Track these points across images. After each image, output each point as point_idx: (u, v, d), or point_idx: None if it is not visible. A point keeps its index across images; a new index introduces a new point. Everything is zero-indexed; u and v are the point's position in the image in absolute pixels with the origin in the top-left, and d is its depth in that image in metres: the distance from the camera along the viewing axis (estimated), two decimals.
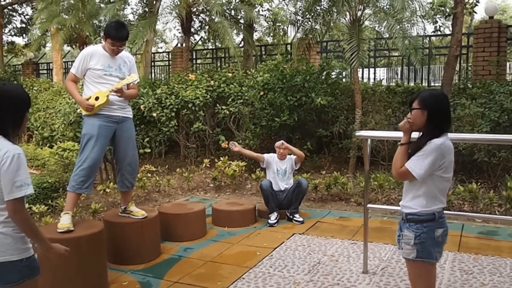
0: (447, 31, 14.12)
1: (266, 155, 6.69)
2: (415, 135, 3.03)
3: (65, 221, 4.35)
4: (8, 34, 24.98)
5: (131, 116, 4.98)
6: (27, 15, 24.29)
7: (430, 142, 2.86)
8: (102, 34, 4.87)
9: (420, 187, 2.93)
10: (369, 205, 4.57)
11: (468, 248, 5.20)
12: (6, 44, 25.01)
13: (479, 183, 7.22)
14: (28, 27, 23.31)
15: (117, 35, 4.60)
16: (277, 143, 6.69)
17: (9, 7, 23.91)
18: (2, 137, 2.56)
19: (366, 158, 4.42)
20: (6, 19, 23.79)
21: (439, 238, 2.96)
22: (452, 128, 7.69)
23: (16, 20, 24.99)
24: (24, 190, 2.52)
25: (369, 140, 4.40)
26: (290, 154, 6.81)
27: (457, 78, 11.24)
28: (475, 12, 11.59)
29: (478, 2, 11.25)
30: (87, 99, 4.59)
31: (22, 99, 2.65)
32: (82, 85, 5.06)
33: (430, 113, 2.89)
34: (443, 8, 11.64)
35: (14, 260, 2.58)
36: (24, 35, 24.86)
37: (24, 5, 23.67)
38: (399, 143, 3.03)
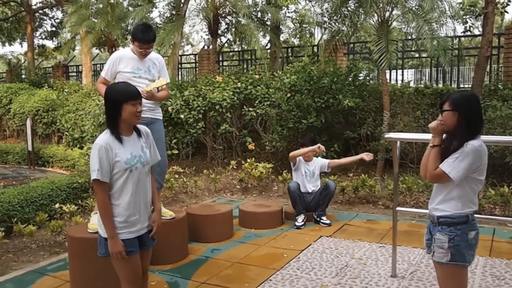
0: (477, 32, 13.87)
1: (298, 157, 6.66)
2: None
3: (95, 221, 4.41)
4: (39, 37, 25.54)
5: (161, 118, 5.03)
6: (57, 18, 24.82)
7: (467, 144, 2.82)
8: (130, 37, 4.93)
9: (453, 189, 2.90)
10: (398, 208, 4.52)
11: (499, 253, 5.10)
12: (37, 47, 25.56)
13: (510, 187, 7.06)
14: (58, 30, 23.78)
15: (144, 37, 4.64)
16: (318, 149, 6.55)
17: (40, 11, 24.44)
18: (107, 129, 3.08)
19: (396, 161, 4.37)
20: (37, 23, 24.34)
21: (472, 240, 2.93)
22: (483, 130, 7.59)
23: (46, 24, 25.58)
24: (93, 174, 2.97)
25: (398, 142, 4.35)
26: (317, 156, 6.78)
27: (488, 79, 11.04)
28: (507, 12, 11.36)
29: (509, 1, 11.02)
30: None
31: (122, 93, 3.05)
32: None
33: (461, 115, 2.85)
34: (473, 8, 11.44)
35: (102, 236, 3.09)
36: (54, 38, 25.38)
37: (55, 9, 24.15)
38: (430, 145, 2.97)
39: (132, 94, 3.05)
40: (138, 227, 3.11)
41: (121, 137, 3.05)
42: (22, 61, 28.25)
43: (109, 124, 3.06)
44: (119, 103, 3.00)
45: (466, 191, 2.90)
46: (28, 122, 11.30)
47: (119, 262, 3.05)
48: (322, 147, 6.56)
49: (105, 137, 3.02)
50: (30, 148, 11.01)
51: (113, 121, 3.04)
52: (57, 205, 6.29)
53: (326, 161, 6.76)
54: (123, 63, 4.75)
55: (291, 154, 6.58)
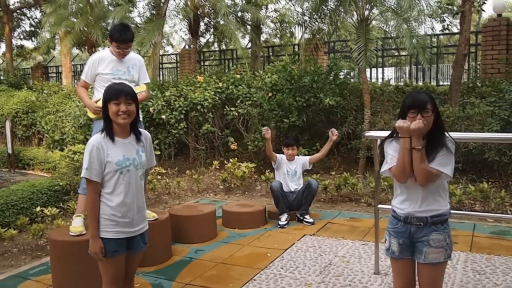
0: (455, 30, 14.06)
1: (278, 155, 6.67)
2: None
3: (77, 224, 4.39)
4: (17, 37, 25.18)
5: (141, 119, 5.00)
6: (35, 18, 24.48)
7: (447, 140, 2.86)
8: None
9: (439, 187, 2.91)
10: (379, 206, 4.56)
11: (480, 248, 5.17)
12: (16, 48, 25.20)
13: (490, 183, 7.18)
14: (37, 30, 23.48)
15: (121, 37, 4.61)
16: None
17: (18, 11, 24.10)
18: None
19: (376, 159, 4.41)
20: (15, 23, 23.99)
21: None
22: (462, 127, 7.70)
23: (25, 24, 25.21)
24: (84, 173, 3.03)
25: (379, 141, 4.39)
26: (298, 155, 6.81)
27: (466, 76, 11.19)
28: (483, 10, 11.52)
29: (486, 0, 11.20)
30: (96, 102, 4.62)
31: (104, 93, 3.11)
32: (92, 87, 5.10)
33: (437, 114, 2.88)
34: (450, 7, 11.59)
35: None
36: (33, 38, 25.04)
37: (33, 9, 23.83)
38: (414, 147, 2.80)
39: (113, 93, 3.05)
40: (129, 229, 3.12)
41: (115, 138, 3.07)
42: (0, 62, 27.85)
43: (104, 125, 3.10)
44: (105, 103, 3.05)
45: (445, 187, 2.95)
46: (7, 124, 11.14)
47: (103, 262, 3.07)
48: (266, 130, 6.46)
49: (99, 137, 3.05)
50: (9, 151, 10.85)
51: (107, 122, 3.08)
52: (38, 208, 6.22)
53: (307, 157, 6.80)
54: (102, 64, 4.72)
55: (266, 152, 6.60)
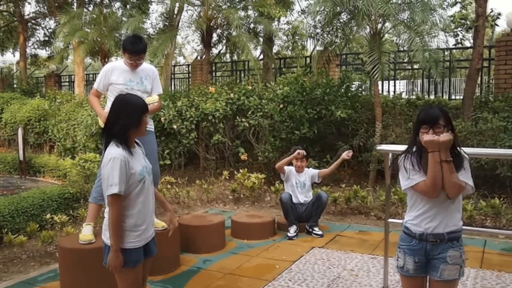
0: (468, 44, 14.02)
1: (286, 168, 6.67)
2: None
3: (86, 232, 4.40)
4: (32, 47, 25.47)
5: (153, 130, 5.02)
6: (50, 28, 24.75)
7: (463, 156, 2.87)
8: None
9: (457, 202, 2.90)
10: (390, 220, 4.53)
11: (490, 265, 5.11)
12: (30, 57, 25.49)
13: (502, 198, 7.09)
14: (51, 40, 23.74)
15: (133, 48, 4.64)
16: (295, 153, 6.60)
17: (33, 21, 24.41)
18: (116, 142, 3.02)
19: (388, 172, 4.39)
20: (29, 32, 24.28)
21: None
22: (474, 142, 7.64)
23: (39, 33, 25.50)
24: (112, 189, 2.94)
25: (390, 154, 4.37)
26: (308, 167, 6.79)
27: (479, 91, 11.13)
28: (497, 25, 11.53)
29: (499, 15, 11.17)
30: None
31: (140, 105, 3.11)
32: (104, 97, 5.14)
33: (451, 128, 2.86)
34: (464, 21, 11.58)
35: (108, 244, 3.03)
36: (47, 48, 25.31)
37: (47, 19, 24.12)
38: (444, 159, 2.77)
39: (146, 106, 3.15)
40: (146, 235, 3.15)
41: (131, 150, 3.08)
42: (14, 70, 28.15)
43: (120, 136, 3.03)
44: (139, 115, 3.06)
45: (461, 202, 2.94)
46: (20, 132, 11.24)
47: (124, 272, 3.05)
48: (301, 151, 6.54)
49: (119, 150, 3.00)
50: (21, 158, 10.94)
51: (126, 133, 3.04)
52: (48, 215, 6.24)
53: (316, 171, 6.77)
54: (115, 74, 4.75)
55: (277, 166, 6.61)
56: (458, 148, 2.87)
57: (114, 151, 2.99)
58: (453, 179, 2.77)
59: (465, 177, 2.82)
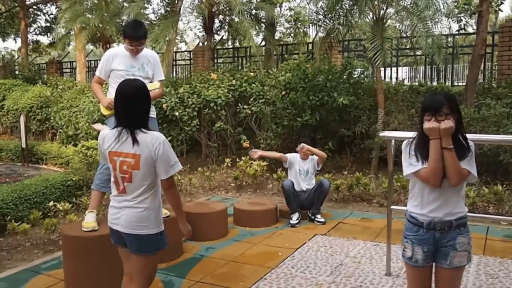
0: (471, 30, 13.92)
1: (288, 155, 6.65)
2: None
3: (89, 220, 4.40)
4: (33, 33, 25.38)
5: (155, 116, 5.01)
6: (51, 14, 24.65)
7: (468, 143, 2.86)
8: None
9: (460, 190, 2.89)
10: (392, 207, 4.53)
11: (493, 252, 5.12)
12: (31, 43, 25.41)
13: (504, 185, 7.09)
14: (53, 26, 23.66)
15: (134, 34, 4.62)
16: (298, 147, 6.63)
17: (34, 7, 24.30)
18: (144, 128, 3.00)
19: (390, 159, 4.38)
20: (31, 19, 24.19)
21: None
22: (477, 129, 7.61)
23: (41, 20, 25.40)
24: (177, 167, 3.04)
25: (393, 141, 4.36)
26: (313, 155, 6.79)
27: (482, 77, 11.08)
28: (501, 10, 11.42)
29: (503, 0, 11.07)
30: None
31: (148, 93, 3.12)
32: (106, 83, 5.12)
33: (458, 115, 2.83)
34: (467, 7, 11.46)
35: (154, 233, 3.08)
36: (48, 34, 25.22)
37: (49, 5, 24.00)
38: (448, 146, 2.76)
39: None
40: None
41: None
42: (16, 57, 28.09)
43: (147, 121, 3.07)
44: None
45: (464, 188, 2.95)
46: (22, 119, 11.24)
47: (158, 254, 3.16)
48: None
49: (158, 133, 3.07)
50: (23, 145, 10.95)
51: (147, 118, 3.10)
52: (51, 203, 6.26)
53: (316, 157, 6.71)
54: (116, 60, 4.73)
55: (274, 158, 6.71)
56: (461, 136, 2.85)
57: (158, 134, 3.02)
58: (455, 166, 2.76)
59: (468, 165, 2.80)
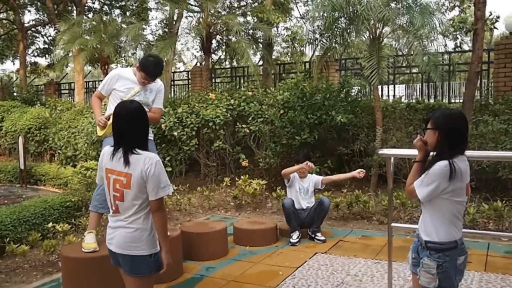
0: (467, 47, 14.05)
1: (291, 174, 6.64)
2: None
3: (90, 240, 4.39)
4: (32, 55, 25.53)
5: (152, 138, 5.00)
6: (49, 36, 24.82)
7: (436, 164, 2.79)
8: (137, 64, 4.86)
9: (435, 212, 2.86)
10: (393, 224, 4.51)
11: (495, 268, 5.10)
12: (30, 65, 25.53)
13: (504, 201, 7.09)
14: (51, 48, 23.80)
15: (154, 72, 4.64)
16: (304, 165, 6.59)
17: (33, 29, 24.49)
18: (139, 149, 2.99)
19: (390, 177, 4.38)
20: (29, 40, 24.35)
21: (461, 266, 2.86)
22: (475, 145, 7.64)
23: (39, 41, 25.58)
24: (167, 190, 2.99)
25: (392, 158, 4.37)
26: (311, 173, 6.79)
27: (479, 94, 11.15)
28: (496, 28, 11.59)
29: (498, 18, 11.22)
30: (107, 118, 4.57)
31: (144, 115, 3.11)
32: (105, 104, 5.13)
33: (441, 134, 2.83)
34: (463, 25, 11.62)
35: (146, 254, 2.98)
36: (46, 55, 25.37)
37: (47, 27, 24.19)
38: (413, 160, 3.02)
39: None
40: None
41: None
42: (14, 78, 28.20)
43: (145, 142, 3.06)
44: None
45: (445, 212, 2.85)
46: (20, 140, 11.25)
47: (152, 277, 3.08)
48: (310, 164, 6.56)
49: (153, 154, 3.04)
50: (22, 167, 10.94)
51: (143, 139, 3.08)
52: (50, 224, 6.23)
53: (320, 177, 6.77)
54: (120, 81, 4.74)
55: (283, 172, 6.59)
56: (437, 155, 2.85)
57: (152, 155, 3.00)
58: (408, 181, 2.92)
59: (419, 181, 2.84)
